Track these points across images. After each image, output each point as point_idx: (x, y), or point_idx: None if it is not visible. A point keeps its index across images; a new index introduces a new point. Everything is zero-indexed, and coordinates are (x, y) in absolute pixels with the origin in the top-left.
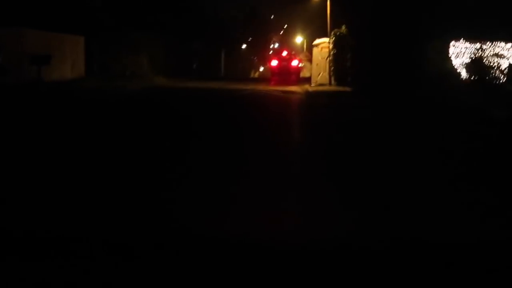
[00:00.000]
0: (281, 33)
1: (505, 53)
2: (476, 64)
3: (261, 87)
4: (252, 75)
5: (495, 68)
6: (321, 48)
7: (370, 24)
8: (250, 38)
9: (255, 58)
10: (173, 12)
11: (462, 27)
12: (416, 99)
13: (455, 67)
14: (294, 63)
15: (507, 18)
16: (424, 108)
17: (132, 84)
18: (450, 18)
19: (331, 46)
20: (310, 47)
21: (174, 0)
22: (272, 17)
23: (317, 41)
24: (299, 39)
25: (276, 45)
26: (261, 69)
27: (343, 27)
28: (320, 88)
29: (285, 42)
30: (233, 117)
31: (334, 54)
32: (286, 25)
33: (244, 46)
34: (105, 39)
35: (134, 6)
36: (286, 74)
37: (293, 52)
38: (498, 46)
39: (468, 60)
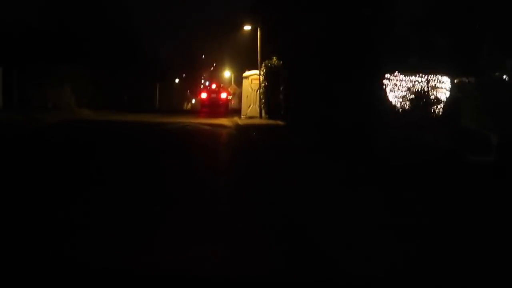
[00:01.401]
0: (211, 69)
1: (443, 85)
2: (414, 97)
3: (191, 119)
4: (185, 107)
5: (432, 101)
6: (251, 80)
7: (304, 56)
8: (184, 75)
9: (188, 92)
10: (104, 44)
11: (400, 60)
12: (354, 135)
13: (393, 100)
14: (223, 95)
15: (444, 51)
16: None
17: (50, 117)
18: (388, 51)
19: (262, 78)
20: (239, 80)
21: (105, 32)
22: (203, 56)
23: (247, 73)
24: (227, 73)
25: (207, 81)
26: (193, 101)
27: (274, 59)
28: (251, 121)
29: (215, 76)
30: (149, 155)
31: (265, 86)
32: (216, 62)
33: (177, 80)
34: (27, 71)
35: (59, 37)
36: (216, 106)
37: (222, 85)
38: (435, 80)
39: (404, 93)
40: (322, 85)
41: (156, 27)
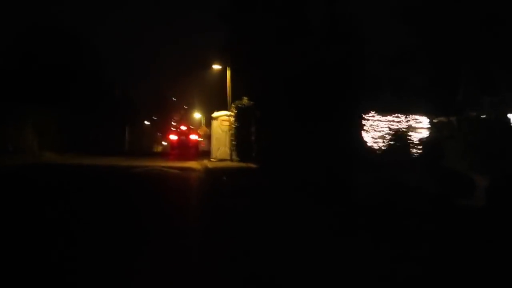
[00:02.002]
0: (182, 112)
1: (420, 125)
2: (393, 137)
3: (159, 163)
4: (155, 149)
5: (411, 141)
6: (221, 121)
7: (274, 95)
8: (154, 117)
9: (158, 134)
10: (71, 83)
11: (374, 98)
12: (332, 178)
13: (370, 141)
14: (193, 137)
15: (419, 90)
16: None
17: (9, 160)
18: (362, 88)
19: (232, 119)
20: (209, 121)
21: (72, 72)
22: (174, 99)
23: (216, 113)
24: (197, 115)
25: (176, 123)
26: (164, 143)
27: (245, 99)
28: (221, 164)
29: (186, 119)
30: (108, 204)
31: (236, 128)
32: (187, 104)
33: (147, 122)
34: None
35: (21, 75)
36: (185, 148)
37: (191, 127)
38: (413, 119)
39: (382, 134)
40: (295, 125)
41: (126, 68)
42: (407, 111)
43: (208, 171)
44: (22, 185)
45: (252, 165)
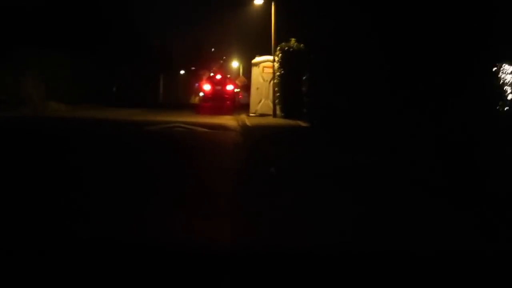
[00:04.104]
0: (221, 62)
1: None
2: None
3: (188, 117)
4: (192, 100)
5: None
6: (263, 67)
7: (344, 34)
8: (193, 68)
9: (196, 85)
10: (92, 26)
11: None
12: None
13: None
14: (229, 87)
15: None
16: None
17: None
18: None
19: (276, 65)
20: (248, 70)
21: (95, 13)
22: (213, 49)
23: (257, 59)
24: (235, 64)
25: (213, 73)
26: (201, 94)
27: (293, 41)
28: (263, 120)
29: (223, 68)
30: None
31: (281, 76)
32: (225, 54)
33: (183, 72)
34: None
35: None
36: (220, 100)
37: (228, 76)
38: None
39: None
40: (387, 78)
41: (162, 17)
42: None
43: (247, 131)
44: None
45: (302, 123)
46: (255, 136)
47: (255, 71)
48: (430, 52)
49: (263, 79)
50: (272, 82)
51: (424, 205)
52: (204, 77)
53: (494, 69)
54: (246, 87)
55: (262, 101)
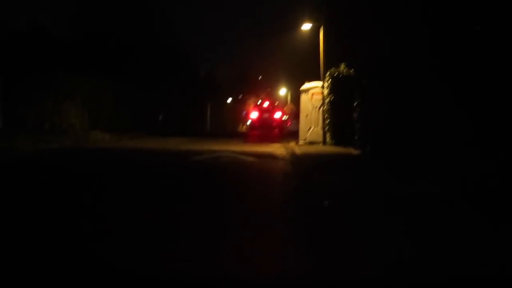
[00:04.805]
0: (269, 89)
1: None
2: None
3: (235, 146)
4: (240, 128)
5: None
6: (312, 94)
7: (399, 58)
8: (241, 95)
9: (244, 113)
10: (139, 54)
11: None
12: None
13: None
14: (277, 115)
15: None
16: None
17: (33, 143)
18: None
19: (326, 91)
20: (297, 98)
21: (143, 41)
22: (260, 77)
23: (306, 85)
24: (283, 91)
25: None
26: (248, 122)
27: (343, 66)
28: (312, 148)
29: (270, 94)
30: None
31: (330, 102)
32: (272, 81)
33: (230, 99)
34: (28, 83)
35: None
36: (268, 128)
37: (276, 103)
38: None
39: None
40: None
41: (209, 46)
42: None
43: (297, 160)
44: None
45: (353, 151)
46: (305, 165)
47: (303, 97)
48: (503, 78)
49: (312, 106)
50: (321, 108)
51: (503, 247)
52: (252, 105)
53: None
54: (295, 114)
55: (312, 128)
